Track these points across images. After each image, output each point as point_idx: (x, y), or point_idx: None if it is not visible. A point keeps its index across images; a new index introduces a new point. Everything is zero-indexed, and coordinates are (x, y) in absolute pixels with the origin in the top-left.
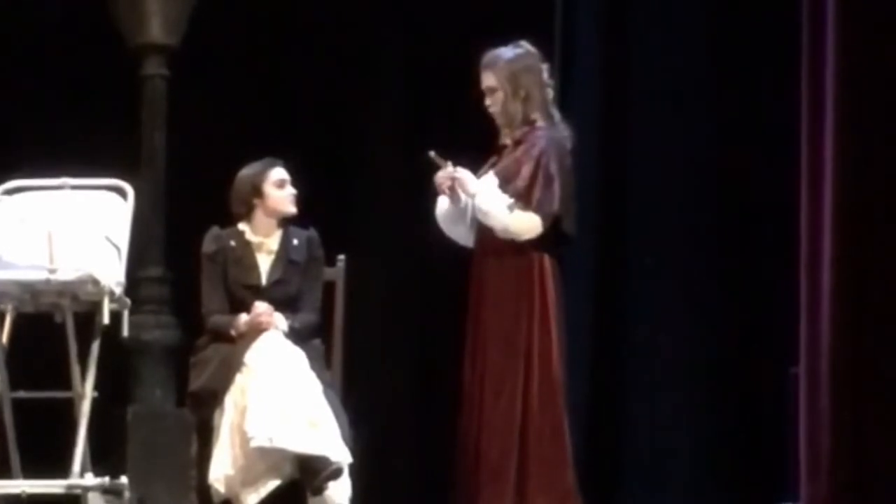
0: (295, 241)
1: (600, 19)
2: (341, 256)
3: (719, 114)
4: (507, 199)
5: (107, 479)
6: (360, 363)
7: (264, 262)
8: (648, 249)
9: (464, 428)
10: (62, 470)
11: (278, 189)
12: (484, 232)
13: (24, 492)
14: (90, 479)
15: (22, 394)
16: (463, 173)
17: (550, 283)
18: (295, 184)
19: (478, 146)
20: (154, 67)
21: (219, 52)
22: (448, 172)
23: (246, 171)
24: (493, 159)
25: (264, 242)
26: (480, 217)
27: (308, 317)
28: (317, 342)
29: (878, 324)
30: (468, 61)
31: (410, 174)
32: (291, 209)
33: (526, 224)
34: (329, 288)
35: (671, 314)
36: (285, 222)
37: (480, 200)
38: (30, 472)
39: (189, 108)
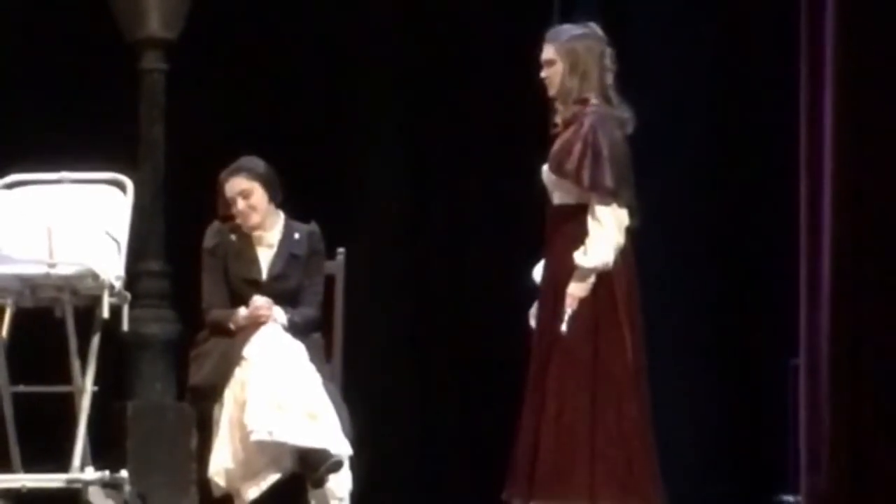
0: (296, 236)
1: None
2: (341, 250)
3: (718, 103)
4: (581, 251)
5: (107, 473)
6: (360, 356)
7: (265, 256)
8: (647, 240)
9: (524, 425)
10: (62, 464)
11: (233, 206)
12: (550, 229)
13: (24, 486)
14: (90, 473)
15: (22, 388)
16: (569, 302)
17: (621, 273)
18: (293, 177)
19: (478, 135)
20: (153, 62)
21: (217, 47)
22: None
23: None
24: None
25: (264, 236)
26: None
27: (308, 311)
28: (316, 336)
29: (878, 315)
30: (467, 51)
31: (411, 166)
32: (248, 223)
33: (612, 225)
34: (329, 281)
35: (670, 306)
36: (286, 216)
37: (586, 274)
38: (30, 466)
39: (188, 103)
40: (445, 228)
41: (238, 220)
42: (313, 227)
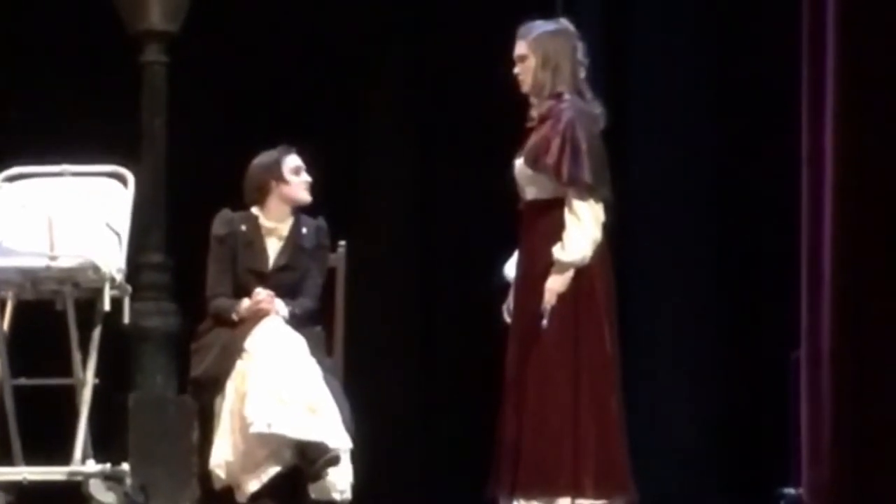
0: (304, 230)
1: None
2: (342, 242)
3: (718, 93)
4: (559, 247)
5: (108, 466)
6: (361, 349)
7: (273, 248)
8: (648, 235)
9: (505, 421)
10: (63, 457)
11: (294, 175)
12: (524, 225)
13: (25, 478)
14: (91, 466)
15: (23, 381)
16: (548, 297)
17: (599, 268)
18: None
19: (483, 133)
20: (154, 54)
21: (219, 39)
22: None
23: (262, 158)
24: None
25: (276, 228)
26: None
27: (307, 302)
28: (318, 329)
29: (879, 308)
30: (472, 47)
31: (413, 159)
32: (306, 197)
33: (590, 220)
34: (330, 274)
35: (671, 299)
36: (297, 210)
37: (565, 268)
38: (31, 459)
39: (189, 95)
40: (448, 221)
41: (292, 192)
42: (321, 222)
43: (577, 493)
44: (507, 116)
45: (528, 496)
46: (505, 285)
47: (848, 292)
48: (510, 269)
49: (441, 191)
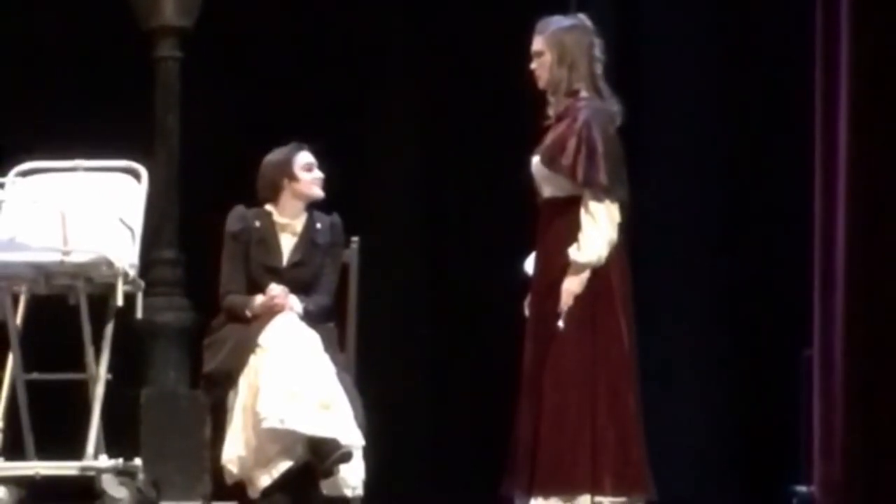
0: (318, 226)
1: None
2: (355, 238)
3: (732, 95)
4: (576, 247)
5: (120, 461)
6: (374, 345)
7: (287, 244)
8: (659, 231)
9: (521, 419)
10: (76, 452)
11: (306, 172)
12: (541, 223)
13: (38, 473)
14: (104, 461)
15: (36, 376)
16: (565, 299)
17: (615, 267)
18: None
19: (492, 129)
20: (168, 49)
21: (232, 35)
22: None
23: (274, 156)
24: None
25: (290, 224)
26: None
27: (321, 299)
28: (331, 325)
29: (891, 306)
30: (480, 44)
31: (425, 156)
32: (319, 193)
33: (606, 221)
34: (343, 270)
35: (682, 296)
36: (311, 206)
37: (581, 269)
38: (44, 454)
39: (202, 91)
40: (460, 217)
41: (305, 188)
42: (335, 218)
43: (595, 490)
44: (517, 112)
45: (546, 494)
46: (526, 281)
47: (860, 291)
48: (530, 265)
49: (452, 187)
